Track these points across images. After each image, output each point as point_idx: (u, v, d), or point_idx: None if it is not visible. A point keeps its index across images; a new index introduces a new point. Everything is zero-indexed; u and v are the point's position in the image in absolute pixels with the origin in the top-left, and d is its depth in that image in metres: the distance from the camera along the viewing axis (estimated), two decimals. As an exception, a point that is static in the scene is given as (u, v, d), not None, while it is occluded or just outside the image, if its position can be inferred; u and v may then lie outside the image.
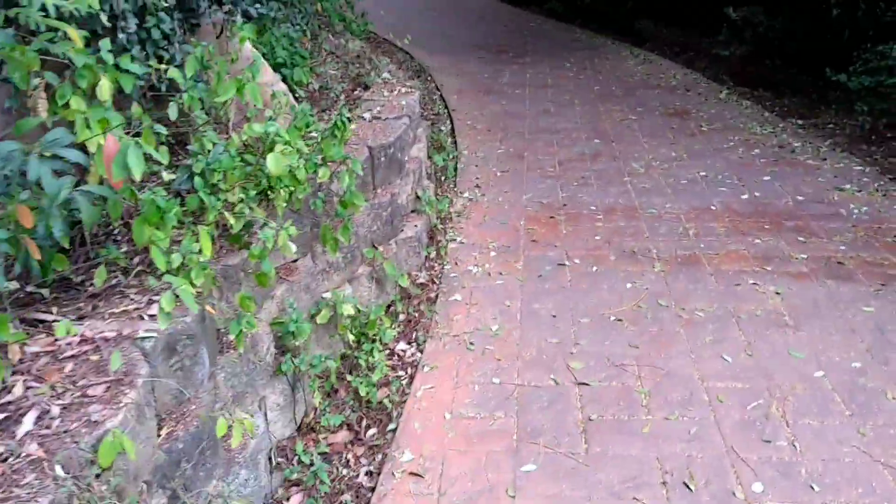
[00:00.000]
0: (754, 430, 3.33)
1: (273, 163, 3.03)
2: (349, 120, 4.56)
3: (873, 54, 7.18)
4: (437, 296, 4.56)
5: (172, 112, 3.22)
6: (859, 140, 7.12)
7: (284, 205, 3.44)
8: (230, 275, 3.13)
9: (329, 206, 3.99)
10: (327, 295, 3.94)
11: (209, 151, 3.21)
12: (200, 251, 2.76)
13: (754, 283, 4.52)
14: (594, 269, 4.79)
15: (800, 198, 5.77)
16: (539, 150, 7.11)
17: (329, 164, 3.90)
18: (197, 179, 3.08)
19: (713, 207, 5.65)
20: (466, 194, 6.05)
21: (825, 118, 7.89)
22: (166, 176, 3.31)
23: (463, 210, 5.74)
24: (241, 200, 3.06)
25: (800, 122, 7.80)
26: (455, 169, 6.62)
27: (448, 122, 8.14)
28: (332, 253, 3.85)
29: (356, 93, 5.95)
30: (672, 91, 9.04)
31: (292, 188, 3.57)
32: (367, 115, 5.18)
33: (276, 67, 5.41)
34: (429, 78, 9.84)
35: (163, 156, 2.92)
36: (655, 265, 4.80)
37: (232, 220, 2.98)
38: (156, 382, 2.68)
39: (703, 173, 6.34)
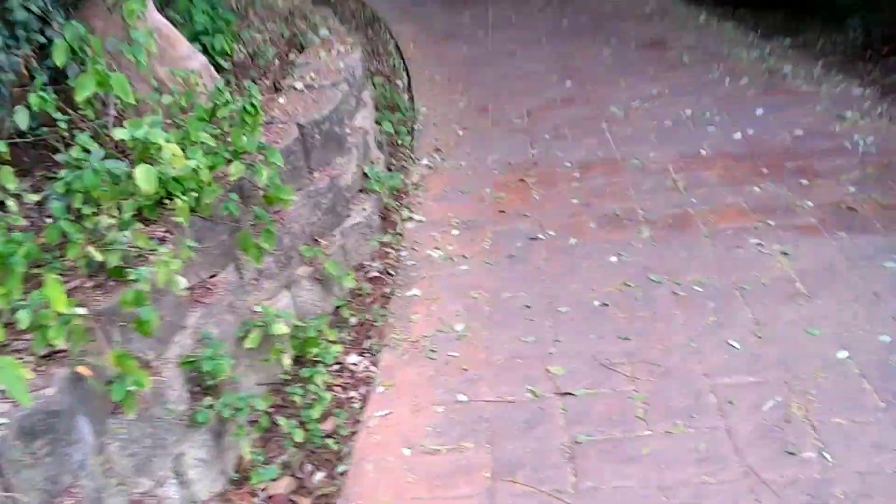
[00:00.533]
0: (775, 439, 2.76)
1: (143, 177, 2.38)
2: (263, 95, 3.89)
3: (866, -40, 6.46)
4: (392, 291, 3.94)
5: (21, 119, 2.56)
6: (854, 58, 6.45)
7: (189, 215, 2.80)
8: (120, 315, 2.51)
9: (255, 203, 3.35)
10: (260, 308, 3.33)
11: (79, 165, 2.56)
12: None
13: (758, 244, 3.92)
14: (573, 241, 4.18)
15: (798, 132, 5.13)
16: (505, 99, 6.42)
17: (244, 156, 3.25)
18: (55, 204, 2.43)
19: (703, 152, 5.01)
20: (425, 161, 5.38)
21: (813, 35, 7.19)
22: (30, 198, 2.66)
23: (421, 181, 5.08)
24: (113, 226, 2.42)
25: (787, 42, 7.10)
26: (411, 132, 5.93)
27: (404, 75, 7.42)
28: (255, 262, 3.22)
29: (292, 56, 5.24)
30: (647, 19, 8.30)
31: (197, 192, 2.93)
32: (298, 85, 4.48)
33: (196, 37, 4.70)
34: (382, 27, 9.05)
35: (6, 178, 2.27)
36: (643, 230, 4.19)
37: (99, 256, 2.34)
38: (11, 481, 2.08)
39: (689, 112, 5.68)
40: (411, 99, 6.73)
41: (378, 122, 5.50)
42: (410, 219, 4.60)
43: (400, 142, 5.67)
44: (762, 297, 3.51)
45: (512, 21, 8.74)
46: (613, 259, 3.96)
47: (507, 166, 5.17)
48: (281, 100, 4.25)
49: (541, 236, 4.26)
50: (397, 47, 8.25)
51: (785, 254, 3.81)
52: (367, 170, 4.48)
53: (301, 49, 5.33)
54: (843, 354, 3.09)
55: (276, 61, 5.09)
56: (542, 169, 5.06)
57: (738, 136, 5.18)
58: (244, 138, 3.12)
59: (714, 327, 3.35)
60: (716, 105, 5.73)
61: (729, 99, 5.82)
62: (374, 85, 6.63)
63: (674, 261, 3.87)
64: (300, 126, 3.92)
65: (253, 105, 3.13)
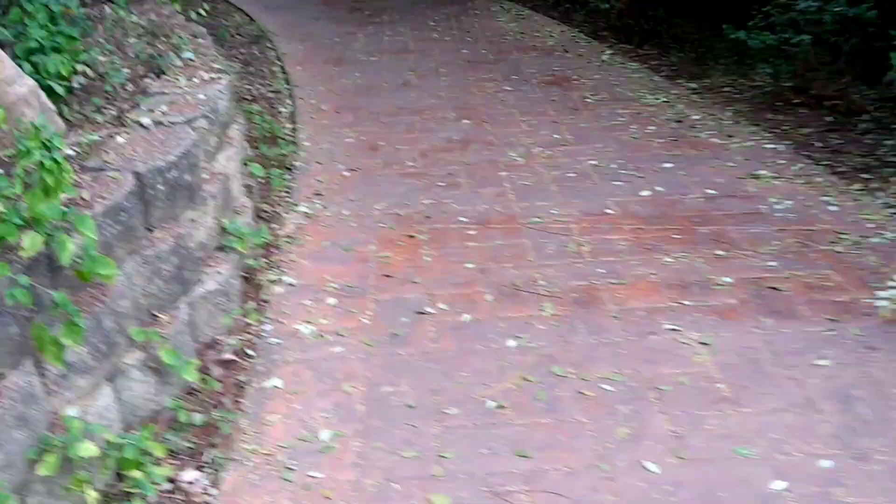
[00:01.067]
0: None
1: None
2: (100, 133, 3.14)
3: (776, 7, 6.19)
4: (247, 380, 3.23)
5: None
6: (763, 107, 6.17)
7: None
8: None
9: (62, 284, 2.59)
10: (65, 418, 2.56)
11: None
12: None
13: (673, 330, 3.42)
14: (466, 318, 3.58)
15: (710, 191, 4.71)
16: (398, 137, 5.80)
17: (47, 223, 2.49)
18: None
19: (609, 211, 4.52)
20: (303, 208, 4.69)
21: (721, 80, 6.91)
22: None
23: (296, 233, 4.39)
24: None
25: (693, 85, 6.79)
26: (290, 169, 5.23)
27: (288, 102, 6.70)
28: (56, 363, 2.46)
29: (147, 81, 4.46)
30: (550, 53, 7.86)
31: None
32: (145, 120, 3.72)
33: (29, 55, 3.87)
34: (268, 44, 8.29)
35: None
36: (545, 307, 3.63)
37: None
38: None
39: (594, 162, 5.20)
40: (294, 130, 6.02)
41: (247, 163, 4.75)
42: (279, 281, 3.90)
43: (275, 184, 4.95)
44: (681, 400, 2.99)
45: (409, 47, 8.15)
46: (512, 343, 3.38)
47: (395, 218, 4.54)
48: (120, 138, 3.48)
49: (430, 310, 3.64)
50: (283, 70, 7.52)
51: (704, 343, 3.32)
52: (226, 224, 3.75)
53: (160, 73, 4.55)
54: (779, 485, 2.58)
55: (127, 87, 4.30)
56: (434, 223, 4.46)
57: (646, 192, 4.73)
58: (43, 204, 2.36)
59: (627, 442, 2.80)
60: (622, 155, 5.28)
61: (635, 149, 5.38)
62: (250, 113, 5.89)
63: (580, 348, 3.32)
64: (138, 175, 3.18)
65: (55, 160, 2.38)
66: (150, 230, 3.24)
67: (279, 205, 4.69)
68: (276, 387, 3.17)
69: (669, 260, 3.97)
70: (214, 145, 3.97)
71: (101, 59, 4.27)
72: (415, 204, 4.70)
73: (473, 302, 3.69)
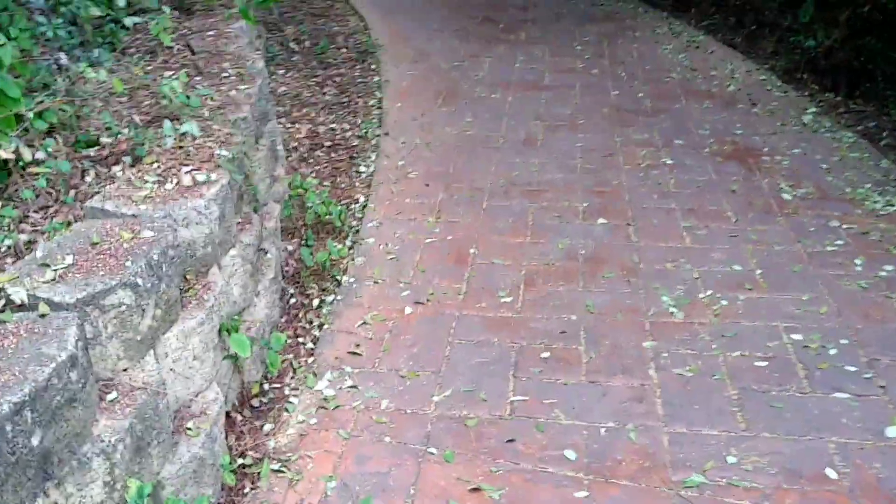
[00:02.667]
0: None
1: None
2: None
3: None
4: None
5: None
6: None
7: None
8: None
9: None
10: None
11: None
12: None
13: None
14: None
15: None
16: (498, 242, 3.92)
17: None
18: None
19: (833, 475, 2.48)
20: (323, 383, 2.93)
21: None
22: None
23: (291, 449, 2.63)
24: None
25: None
26: (330, 290, 3.47)
27: (371, 157, 4.94)
28: None
29: (113, 171, 2.82)
30: (730, 104, 5.69)
31: None
32: (16, 295, 2.04)
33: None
34: (373, 65, 6.54)
35: None
36: None
37: None
38: None
39: (798, 336, 3.13)
40: (362, 209, 4.27)
41: (228, 331, 2.97)
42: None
43: (304, 321, 3.22)
44: None
45: (543, 81, 6.17)
46: None
47: (457, 433, 2.69)
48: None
49: None
50: (380, 104, 5.77)
51: None
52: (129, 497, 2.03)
53: (137, 160, 2.89)
54: None
55: (69, 191, 2.68)
56: (519, 456, 2.58)
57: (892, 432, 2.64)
58: None
59: None
60: (847, 326, 3.19)
61: (867, 314, 3.27)
62: (313, 181, 4.17)
63: None
64: None
65: None
66: None
67: (288, 375, 2.94)
68: None
69: None
70: (133, 349, 2.23)
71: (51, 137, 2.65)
72: (495, 399, 2.83)
73: None
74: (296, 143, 5.18)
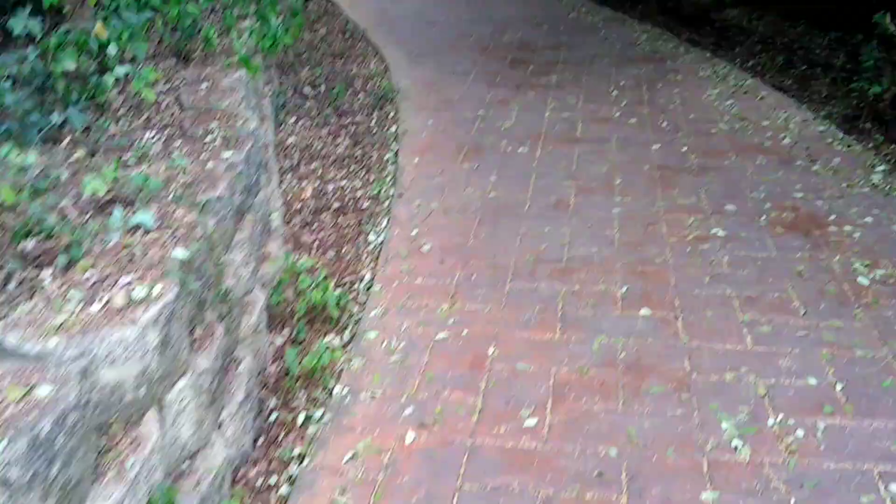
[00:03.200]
0: None
1: None
2: None
3: None
4: None
5: None
6: None
7: None
8: None
9: None
10: None
11: None
12: None
13: None
14: None
15: None
16: (521, 339, 3.27)
17: None
18: None
19: None
20: None
21: None
22: None
23: None
24: None
25: None
26: (318, 406, 2.84)
27: (383, 222, 4.33)
28: None
29: (42, 277, 2.24)
30: (786, 161, 4.99)
31: None
32: None
33: None
34: (392, 112, 5.96)
35: None
36: None
37: None
38: None
39: (899, 485, 2.43)
40: (366, 292, 3.64)
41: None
42: None
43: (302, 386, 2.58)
44: None
45: (576, 132, 5.53)
46: None
47: None
48: None
49: None
50: (396, 158, 5.17)
51: None
52: None
53: (68, 266, 2.30)
54: None
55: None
56: None
57: None
58: None
59: None
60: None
61: None
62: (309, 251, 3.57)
63: None
64: None
65: None
66: None
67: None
68: None
69: None
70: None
71: None
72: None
73: None
74: (300, 205, 4.60)
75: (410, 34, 7.92)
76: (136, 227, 2.45)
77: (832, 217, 4.24)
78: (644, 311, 3.42)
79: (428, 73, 6.87)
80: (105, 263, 2.24)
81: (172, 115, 3.88)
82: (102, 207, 2.62)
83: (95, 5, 3.31)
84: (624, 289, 3.60)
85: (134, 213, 2.49)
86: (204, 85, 4.25)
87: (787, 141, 5.28)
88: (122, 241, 2.38)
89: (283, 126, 5.62)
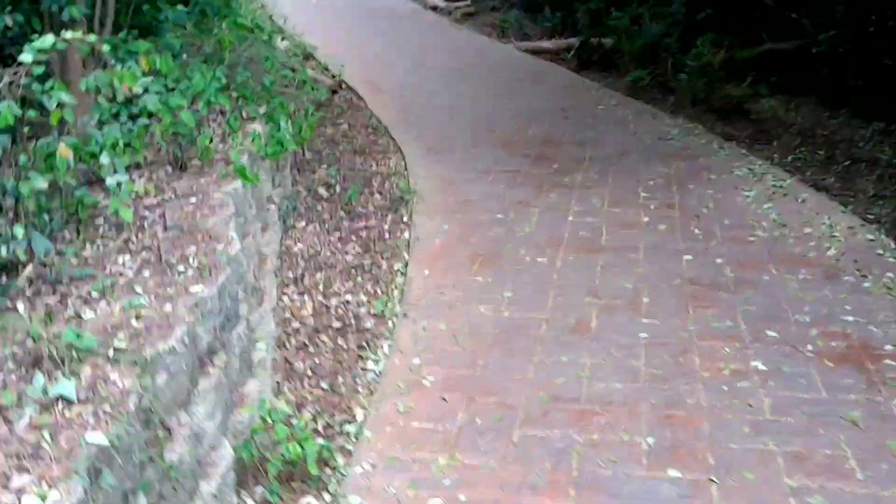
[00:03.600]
0: None
1: None
2: None
3: None
4: None
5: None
6: None
7: None
8: None
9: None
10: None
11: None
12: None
13: None
14: None
15: None
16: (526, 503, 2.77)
17: None
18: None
19: None
20: None
21: None
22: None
23: None
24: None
25: None
26: None
27: (384, 348, 3.90)
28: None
29: None
30: (831, 274, 4.49)
31: None
32: None
33: None
34: (405, 218, 5.60)
35: None
36: None
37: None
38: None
39: None
40: (352, 440, 3.18)
41: None
42: None
43: None
44: None
45: (600, 240, 5.09)
46: None
47: None
48: None
49: None
50: (404, 270, 4.77)
51: None
52: None
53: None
54: None
55: None
56: None
57: None
58: None
59: None
60: None
61: None
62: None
63: None
64: None
65: None
66: None
67: None
68: None
69: None
70: None
71: None
72: None
73: None
74: (298, 325, 4.20)
75: (433, 128, 7.65)
76: (59, 399, 2.05)
77: (887, 347, 3.71)
78: (673, 472, 2.90)
79: (447, 170, 6.54)
80: (5, 455, 1.83)
81: (154, 235, 3.55)
82: (32, 365, 2.23)
83: (59, 123, 3.01)
84: (650, 440, 3.09)
85: (56, 380, 2.10)
86: (193, 200, 3.94)
87: (832, 251, 4.77)
88: (34, 420, 1.97)
89: (291, 231, 5.29)
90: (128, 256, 3.32)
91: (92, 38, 2.90)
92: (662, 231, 5.17)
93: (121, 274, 3.14)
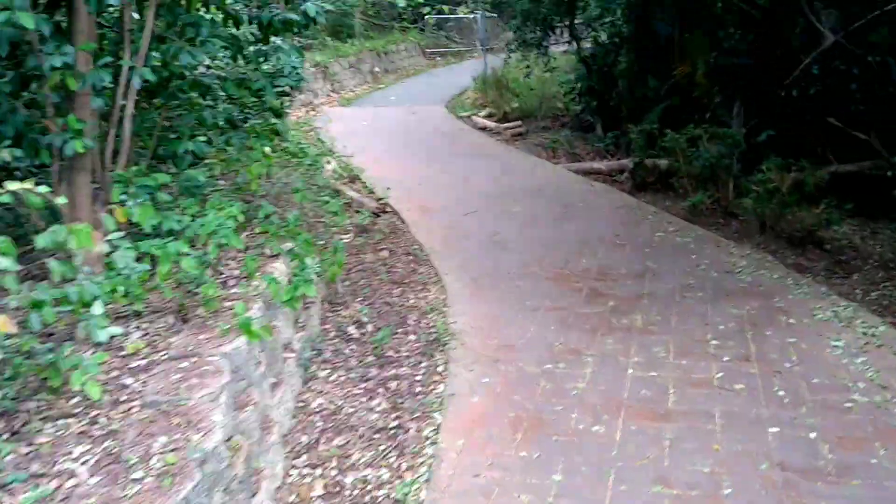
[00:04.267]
0: None
1: None
2: None
3: None
4: None
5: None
6: None
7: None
8: None
9: None
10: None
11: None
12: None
13: None
14: None
15: None
16: None
17: None
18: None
19: None
20: None
21: None
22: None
23: None
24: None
25: None
26: None
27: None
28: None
29: None
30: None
31: None
32: None
33: None
34: (441, 365, 4.87)
35: None
36: None
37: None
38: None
39: None
40: None
41: None
42: None
43: None
44: None
45: (665, 402, 4.26)
46: None
47: None
48: None
49: None
50: (436, 440, 4.01)
51: None
52: None
53: None
54: None
55: None
56: None
57: None
58: None
59: None
60: None
61: None
62: None
63: None
64: None
65: None
66: None
67: None
68: None
69: None
70: None
71: None
72: None
73: None
74: (304, 512, 3.43)
75: (478, 257, 7.00)
76: None
77: None
78: None
79: (491, 306, 5.84)
80: None
81: (127, 414, 2.91)
82: None
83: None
84: None
85: None
86: (185, 364, 3.30)
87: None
88: None
89: (309, 384, 4.60)
90: (89, 446, 2.67)
91: (42, 189, 2.34)
92: (740, 392, 4.31)
93: (71, 476, 2.48)
